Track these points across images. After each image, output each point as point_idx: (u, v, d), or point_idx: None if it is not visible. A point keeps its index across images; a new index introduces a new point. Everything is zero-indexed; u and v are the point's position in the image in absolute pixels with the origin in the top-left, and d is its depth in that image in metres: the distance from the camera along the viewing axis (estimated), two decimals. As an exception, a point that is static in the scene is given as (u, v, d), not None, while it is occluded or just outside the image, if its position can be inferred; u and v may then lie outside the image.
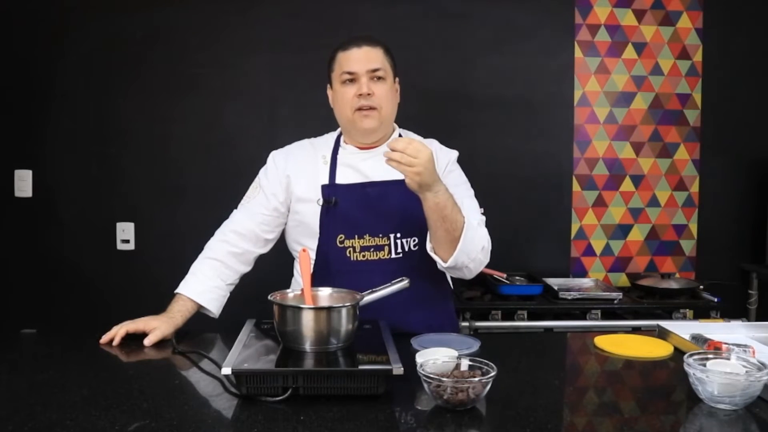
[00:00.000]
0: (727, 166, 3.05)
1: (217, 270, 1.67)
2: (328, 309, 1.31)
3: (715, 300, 2.63)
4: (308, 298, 1.38)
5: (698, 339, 1.44)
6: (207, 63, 2.87)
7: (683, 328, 1.53)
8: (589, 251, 3.03)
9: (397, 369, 1.15)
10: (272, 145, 1.78)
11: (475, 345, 1.47)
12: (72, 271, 2.86)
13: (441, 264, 1.56)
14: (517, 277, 2.81)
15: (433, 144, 1.78)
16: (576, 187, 3.01)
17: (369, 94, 1.61)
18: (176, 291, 1.64)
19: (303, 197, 1.67)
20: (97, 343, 1.49)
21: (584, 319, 2.59)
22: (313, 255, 1.65)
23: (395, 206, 1.64)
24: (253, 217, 1.70)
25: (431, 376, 1.09)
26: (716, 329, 1.57)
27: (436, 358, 1.18)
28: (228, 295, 1.70)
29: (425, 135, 1.82)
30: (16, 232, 2.86)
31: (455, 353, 1.27)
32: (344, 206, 1.64)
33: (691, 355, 1.18)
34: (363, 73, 1.61)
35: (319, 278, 1.54)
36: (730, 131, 3.04)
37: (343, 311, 1.29)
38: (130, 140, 2.87)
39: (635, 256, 3.05)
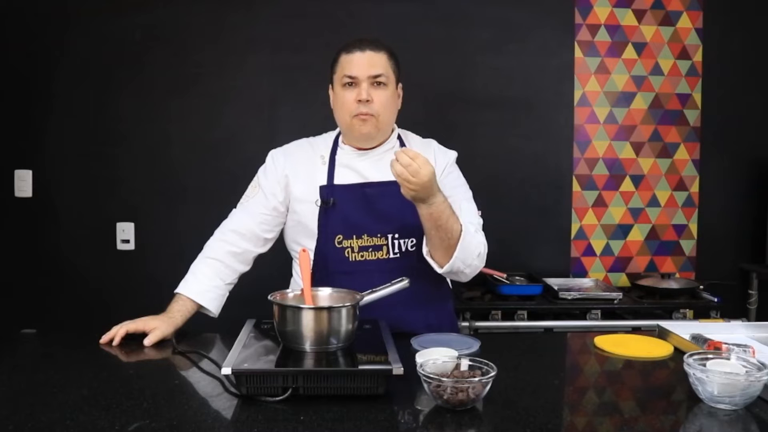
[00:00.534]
0: (727, 166, 3.05)
1: (216, 269, 1.66)
2: (328, 309, 1.31)
3: (715, 300, 2.63)
4: (308, 298, 1.38)
5: (698, 339, 1.44)
6: (207, 63, 2.87)
7: (683, 328, 1.53)
8: (589, 251, 3.03)
9: (397, 369, 1.15)
10: (272, 145, 1.78)
11: (475, 345, 1.47)
12: (72, 271, 2.86)
13: (436, 269, 1.57)
14: (517, 277, 2.81)
15: (431, 144, 1.78)
16: (576, 187, 3.01)
17: (368, 101, 1.60)
18: (176, 291, 1.63)
19: (301, 198, 1.67)
20: (97, 343, 1.49)
21: (584, 319, 2.59)
22: (311, 255, 1.65)
23: (393, 207, 1.64)
24: (253, 217, 1.70)
25: (431, 376, 1.09)
26: (716, 329, 1.56)
27: (436, 358, 1.18)
28: (227, 294, 1.69)
29: (425, 135, 1.82)
30: (16, 232, 2.85)
31: (455, 353, 1.27)
32: (342, 207, 1.64)
33: (691, 355, 1.18)
34: (364, 79, 1.60)
35: (317, 278, 1.54)
36: (730, 131, 3.04)
37: (343, 311, 1.29)
38: (130, 140, 2.87)
39: (635, 256, 3.05)
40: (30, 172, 2.85)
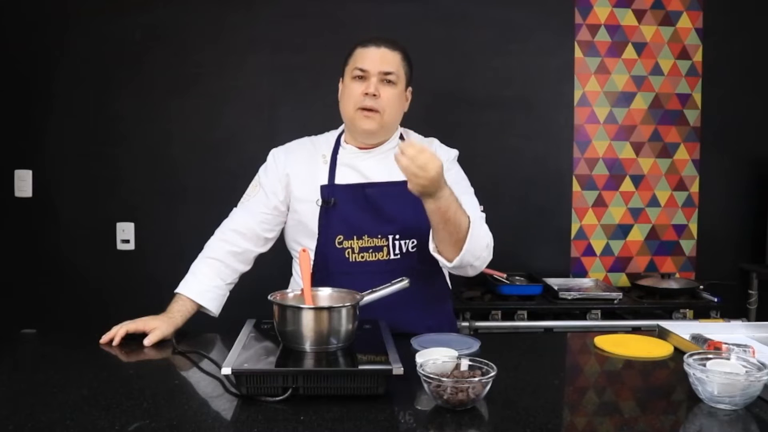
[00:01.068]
0: (727, 166, 3.05)
1: (216, 269, 1.66)
2: (328, 309, 1.31)
3: (715, 300, 2.63)
4: (308, 298, 1.38)
5: (698, 339, 1.44)
6: (207, 63, 2.87)
7: (683, 328, 1.53)
8: (589, 251, 3.03)
9: (397, 369, 1.15)
10: (272, 145, 1.78)
11: (475, 345, 1.47)
12: (72, 271, 2.86)
13: (445, 264, 1.54)
14: (517, 277, 2.81)
15: (433, 143, 1.78)
16: (576, 187, 3.01)
17: (375, 95, 1.60)
18: (176, 291, 1.63)
19: (302, 197, 1.67)
20: (97, 343, 1.49)
21: (584, 319, 2.59)
22: (312, 255, 1.65)
23: (394, 208, 1.64)
24: (253, 216, 1.69)
25: (431, 376, 1.09)
26: (716, 329, 1.56)
27: (436, 358, 1.18)
28: (228, 294, 1.69)
29: (426, 135, 1.82)
30: (16, 232, 2.85)
31: (455, 353, 1.27)
32: (343, 207, 1.64)
33: (691, 355, 1.18)
34: (374, 73, 1.60)
35: (318, 279, 1.54)
36: (730, 131, 3.04)
37: (343, 311, 1.29)
38: (130, 140, 2.87)
39: (635, 256, 3.05)
40: (30, 172, 2.85)
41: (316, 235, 1.65)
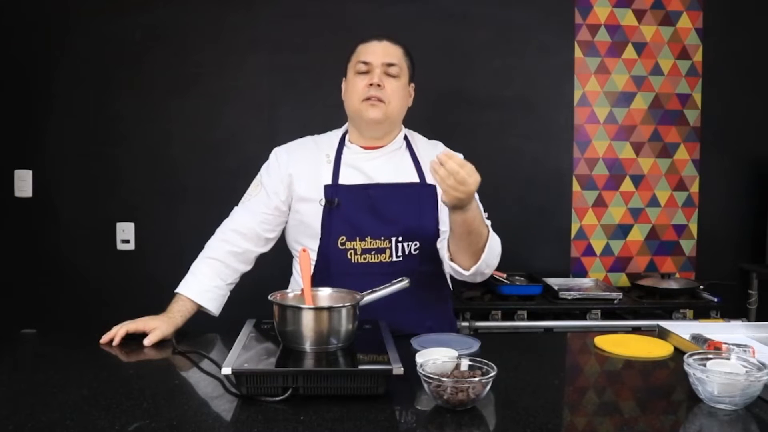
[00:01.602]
0: (727, 166, 3.05)
1: (217, 270, 1.66)
2: (328, 309, 1.31)
3: (715, 300, 2.63)
4: (308, 298, 1.38)
5: (698, 339, 1.44)
6: (207, 63, 2.87)
7: (683, 328, 1.53)
8: (589, 251, 3.03)
9: (397, 369, 1.15)
10: (272, 145, 1.78)
11: (475, 345, 1.47)
12: (72, 271, 2.86)
13: (461, 272, 1.54)
14: (517, 277, 2.81)
15: (438, 146, 1.77)
16: (576, 187, 3.01)
17: (379, 86, 1.61)
18: (176, 291, 1.63)
19: (305, 197, 1.66)
20: (97, 343, 1.49)
21: (584, 319, 2.59)
22: (313, 255, 1.64)
23: (398, 209, 1.64)
24: (254, 216, 1.69)
25: (431, 376, 1.09)
26: (716, 329, 1.56)
27: (436, 358, 1.18)
28: (228, 294, 1.69)
29: (425, 135, 1.82)
30: (16, 232, 2.85)
31: (455, 353, 1.27)
32: (346, 207, 1.63)
33: (691, 355, 1.18)
34: (378, 65, 1.62)
35: (319, 279, 1.54)
36: (730, 131, 3.04)
37: (343, 311, 1.29)
38: (130, 140, 2.87)
39: (635, 256, 3.05)
40: (30, 172, 2.85)
41: (319, 236, 1.65)
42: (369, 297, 1.39)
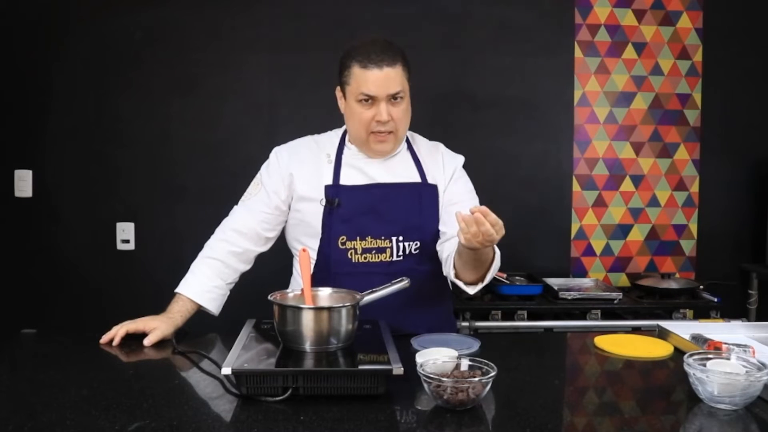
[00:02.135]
0: (727, 166, 3.05)
1: (217, 269, 1.66)
2: (328, 309, 1.31)
3: (715, 300, 2.63)
4: (308, 298, 1.38)
5: (698, 339, 1.44)
6: (207, 63, 2.86)
7: (683, 328, 1.53)
8: (589, 251, 3.03)
9: (397, 369, 1.15)
10: (272, 145, 1.77)
11: (475, 345, 1.47)
12: (72, 271, 2.85)
13: (465, 290, 1.56)
14: (517, 277, 2.81)
15: (439, 147, 1.77)
16: (576, 187, 3.01)
17: (388, 121, 1.57)
18: (176, 291, 1.63)
19: (306, 196, 1.66)
20: (97, 343, 1.49)
21: (584, 319, 2.59)
22: (314, 255, 1.64)
23: (398, 209, 1.64)
24: (254, 215, 1.68)
25: (431, 376, 1.09)
26: (716, 329, 1.56)
27: (436, 358, 1.18)
28: (228, 294, 1.69)
29: (425, 135, 1.82)
30: (16, 232, 2.85)
31: (455, 353, 1.27)
32: (347, 207, 1.63)
33: (691, 355, 1.18)
34: (382, 98, 1.56)
35: (319, 279, 1.54)
36: (730, 131, 3.04)
37: (343, 311, 1.29)
38: (130, 140, 2.87)
39: (635, 256, 3.05)
40: (30, 172, 2.85)
41: (319, 235, 1.65)
42: (369, 297, 1.39)
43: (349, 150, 1.70)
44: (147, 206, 2.88)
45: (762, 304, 2.94)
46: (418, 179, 1.68)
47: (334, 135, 1.74)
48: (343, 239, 1.63)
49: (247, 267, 1.72)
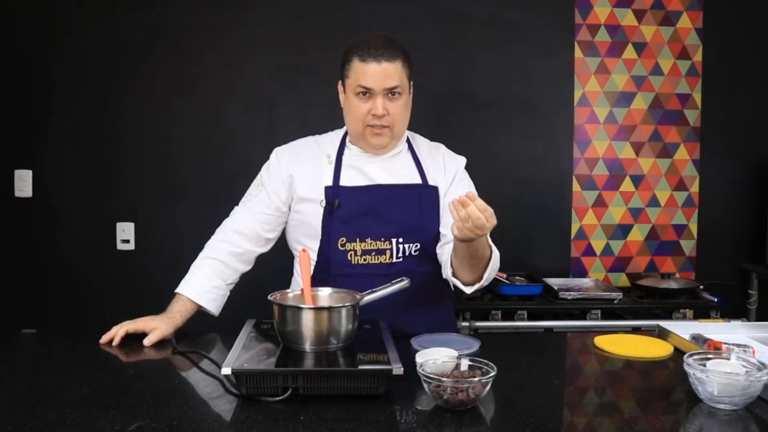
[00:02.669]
0: (727, 166, 3.05)
1: (217, 270, 1.66)
2: (328, 309, 1.31)
3: (715, 300, 2.63)
4: (308, 298, 1.38)
5: (698, 339, 1.44)
6: (207, 63, 2.87)
7: (683, 328, 1.53)
8: (589, 251, 3.03)
9: (397, 369, 1.15)
10: (272, 145, 1.77)
11: (475, 345, 1.47)
12: (72, 271, 2.86)
13: (463, 289, 1.56)
14: (517, 277, 2.81)
15: (440, 148, 1.77)
16: (576, 187, 3.01)
17: (383, 115, 1.58)
18: (176, 291, 1.63)
19: (306, 197, 1.66)
20: (97, 343, 1.49)
21: (584, 319, 2.59)
22: (314, 256, 1.64)
23: (399, 211, 1.63)
24: (255, 216, 1.68)
25: (431, 376, 1.09)
26: (716, 329, 1.56)
27: (436, 358, 1.18)
28: (228, 294, 1.69)
29: (425, 135, 1.82)
30: (16, 232, 2.85)
31: (455, 353, 1.27)
32: (347, 209, 1.63)
33: (691, 355, 1.18)
34: (379, 91, 1.56)
35: (319, 281, 1.53)
36: (730, 131, 3.04)
37: (343, 311, 1.29)
38: (131, 140, 2.87)
39: (635, 256, 3.05)
40: (30, 172, 2.85)
41: (319, 236, 1.64)
42: (369, 297, 1.39)
43: (350, 151, 1.69)
44: (147, 206, 2.88)
45: (762, 304, 2.94)
46: (418, 180, 1.68)
47: (335, 136, 1.74)
48: (342, 240, 1.63)
49: (247, 267, 1.72)
